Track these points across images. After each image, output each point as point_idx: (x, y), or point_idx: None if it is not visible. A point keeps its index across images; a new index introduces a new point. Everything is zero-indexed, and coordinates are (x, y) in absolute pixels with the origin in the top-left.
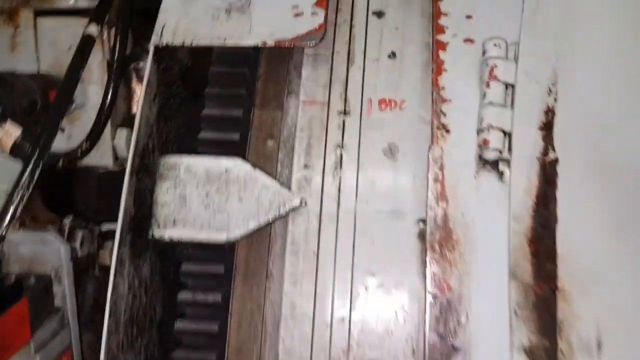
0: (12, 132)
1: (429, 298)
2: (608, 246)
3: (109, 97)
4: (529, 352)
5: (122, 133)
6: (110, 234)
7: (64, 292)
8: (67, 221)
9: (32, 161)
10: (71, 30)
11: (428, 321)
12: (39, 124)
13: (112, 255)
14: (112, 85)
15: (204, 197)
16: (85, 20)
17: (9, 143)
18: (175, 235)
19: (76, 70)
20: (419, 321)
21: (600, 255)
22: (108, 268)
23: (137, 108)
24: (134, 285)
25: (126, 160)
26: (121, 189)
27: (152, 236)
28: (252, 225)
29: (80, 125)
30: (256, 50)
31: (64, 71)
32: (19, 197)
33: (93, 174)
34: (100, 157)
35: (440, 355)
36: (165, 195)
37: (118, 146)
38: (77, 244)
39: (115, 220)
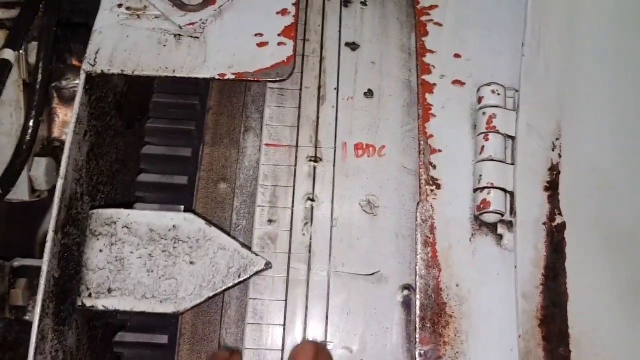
0: None
1: None
2: (622, 327)
3: (30, 131)
4: None
5: (40, 163)
6: (22, 271)
7: None
8: None
9: None
10: None
11: None
12: None
13: (32, 331)
14: (33, 115)
15: (146, 260)
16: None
17: None
18: (110, 306)
19: None
20: None
21: (614, 338)
22: (20, 308)
23: (64, 149)
24: None
25: (43, 192)
26: (35, 221)
27: (82, 305)
28: (206, 294)
29: None
30: (206, 80)
31: None
32: None
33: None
34: (14, 190)
35: None
36: (97, 257)
37: (36, 178)
38: None
39: (27, 255)
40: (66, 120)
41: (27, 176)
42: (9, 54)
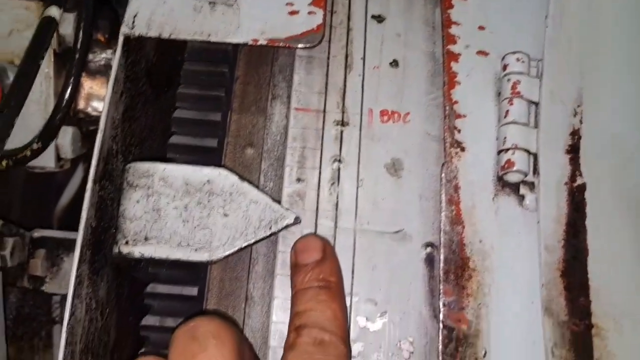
0: None
1: (444, 331)
2: (636, 278)
3: (68, 93)
4: None
5: (66, 132)
6: (42, 241)
7: None
8: None
9: None
10: (13, 13)
11: (442, 358)
12: None
13: (71, 274)
14: (72, 80)
15: (182, 211)
16: (30, 3)
17: None
18: (147, 253)
19: (36, 56)
20: (427, 355)
21: (632, 290)
22: (38, 278)
23: (103, 105)
24: (90, 307)
25: (68, 161)
26: (53, 193)
27: (119, 252)
28: (239, 244)
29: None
30: (235, 48)
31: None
32: None
33: (18, 173)
34: (40, 157)
35: None
36: (134, 207)
37: (62, 146)
38: (7, 253)
39: (44, 226)
40: (91, 93)
41: (54, 144)
42: (54, 12)
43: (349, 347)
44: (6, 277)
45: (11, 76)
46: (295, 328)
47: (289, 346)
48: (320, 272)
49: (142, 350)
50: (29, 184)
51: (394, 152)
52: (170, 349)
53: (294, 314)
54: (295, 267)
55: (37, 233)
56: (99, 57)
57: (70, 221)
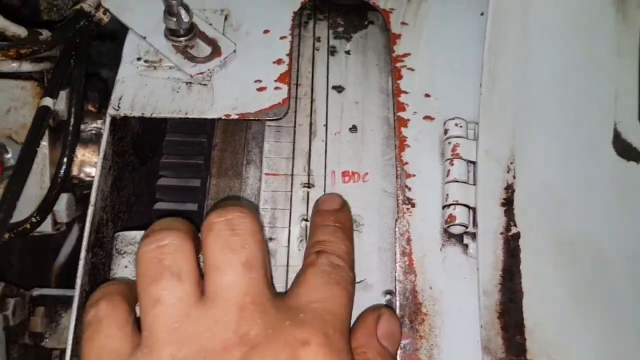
0: None
1: None
2: (570, 318)
3: (62, 171)
4: None
5: (62, 198)
6: (41, 300)
7: None
8: None
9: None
10: (10, 93)
11: None
12: None
13: (69, 331)
14: (65, 160)
15: None
16: (26, 83)
17: None
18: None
19: (35, 141)
20: None
21: (564, 327)
22: (38, 335)
23: (94, 181)
24: None
25: (63, 225)
26: (50, 254)
27: None
28: None
29: None
30: (212, 120)
31: (1, 134)
32: None
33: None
34: None
35: None
36: (123, 272)
37: (58, 212)
38: (10, 313)
39: (42, 285)
40: (84, 160)
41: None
42: (48, 102)
43: (355, 278)
44: (8, 335)
45: (10, 150)
46: (315, 251)
47: (308, 264)
48: (338, 217)
49: None
50: (26, 246)
51: (355, 210)
52: (206, 233)
53: (314, 242)
54: (318, 212)
55: (36, 292)
56: (90, 127)
57: (67, 278)
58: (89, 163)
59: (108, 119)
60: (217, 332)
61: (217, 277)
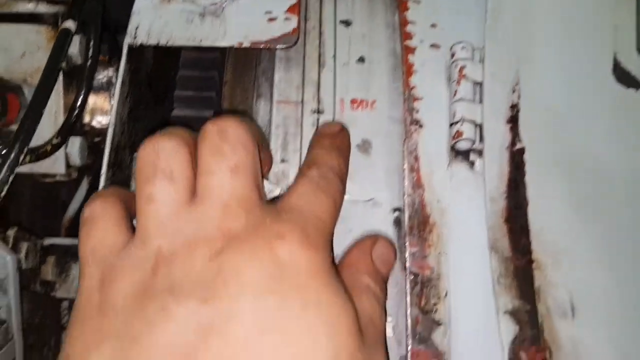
0: None
1: (410, 277)
2: (572, 224)
3: (82, 94)
4: (513, 314)
5: (74, 141)
6: (52, 249)
7: (9, 305)
8: (12, 232)
9: (12, 155)
10: (25, 37)
11: (409, 299)
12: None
13: None
14: (85, 84)
15: None
16: (41, 27)
17: None
18: None
19: (56, 63)
20: (398, 301)
21: (566, 232)
22: (49, 283)
23: (112, 105)
24: None
25: (75, 170)
26: (59, 205)
27: None
28: None
29: None
30: (223, 55)
31: (16, 78)
32: None
33: (26, 183)
34: (52, 165)
35: (423, 329)
36: None
37: (71, 154)
38: (22, 256)
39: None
40: (94, 107)
41: (64, 153)
42: (70, 24)
43: (344, 191)
44: (21, 280)
45: (26, 92)
46: (307, 165)
47: (299, 175)
48: (335, 139)
49: None
50: (37, 195)
51: (363, 134)
52: (200, 140)
53: (307, 159)
54: (316, 134)
55: (48, 241)
56: (101, 75)
57: (76, 230)
58: (101, 110)
59: (125, 47)
60: (201, 227)
61: (206, 180)
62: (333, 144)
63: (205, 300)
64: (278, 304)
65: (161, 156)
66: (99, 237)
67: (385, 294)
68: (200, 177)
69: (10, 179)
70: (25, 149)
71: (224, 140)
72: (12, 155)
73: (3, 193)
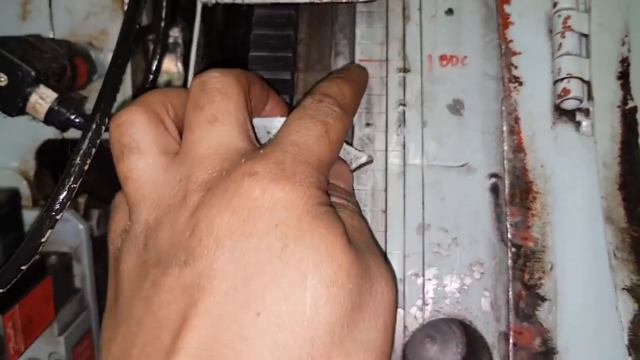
0: (46, 97)
1: (512, 249)
2: None
3: (154, 65)
4: (631, 290)
5: None
6: None
7: (83, 273)
8: (82, 199)
9: (94, 126)
10: None
11: (512, 273)
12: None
13: None
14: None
15: None
16: None
17: (44, 109)
18: None
19: (132, 23)
20: (496, 275)
21: None
22: None
23: (190, 67)
24: None
25: None
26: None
27: None
28: None
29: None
30: (296, 14)
31: (81, 40)
32: (76, 170)
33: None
34: None
35: (527, 305)
36: None
37: None
38: (94, 223)
39: None
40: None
41: None
42: None
43: (347, 118)
44: (94, 248)
45: (92, 55)
46: (311, 95)
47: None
48: (349, 72)
49: None
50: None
51: (454, 93)
52: (188, 100)
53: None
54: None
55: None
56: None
57: None
58: (167, 72)
59: (199, 6)
60: (180, 187)
61: (186, 136)
62: (339, 75)
63: (185, 263)
64: (255, 246)
65: (123, 131)
66: (114, 225)
67: (356, 203)
68: (184, 135)
69: (93, 151)
70: (107, 122)
71: (203, 92)
72: (94, 127)
73: (86, 167)
